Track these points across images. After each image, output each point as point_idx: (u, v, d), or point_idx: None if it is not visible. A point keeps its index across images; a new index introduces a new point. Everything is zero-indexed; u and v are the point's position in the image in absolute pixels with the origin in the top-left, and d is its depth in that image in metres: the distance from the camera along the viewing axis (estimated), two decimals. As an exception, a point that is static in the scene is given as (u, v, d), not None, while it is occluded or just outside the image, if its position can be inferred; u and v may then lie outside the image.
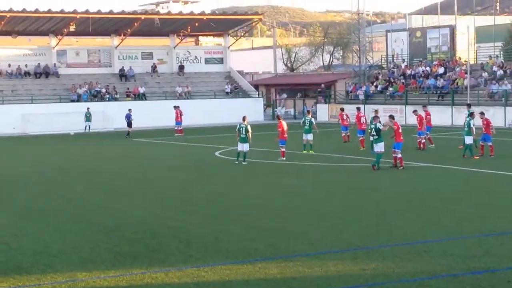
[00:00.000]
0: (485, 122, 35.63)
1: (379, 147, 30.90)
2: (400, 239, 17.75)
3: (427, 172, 30.52)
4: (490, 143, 35.40)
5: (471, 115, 36.34)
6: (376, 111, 40.47)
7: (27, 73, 71.30)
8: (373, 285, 13.88)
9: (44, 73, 71.82)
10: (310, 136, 38.40)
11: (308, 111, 45.01)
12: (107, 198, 25.45)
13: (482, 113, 37.17)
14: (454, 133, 43.22)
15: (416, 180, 28.29)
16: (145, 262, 15.89)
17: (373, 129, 31.07)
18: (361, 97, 70.33)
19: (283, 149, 35.88)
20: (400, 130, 31.85)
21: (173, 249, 17.08)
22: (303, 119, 40.64)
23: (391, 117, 33.76)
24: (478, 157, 34.22)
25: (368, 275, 14.54)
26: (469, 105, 42.70)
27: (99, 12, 69.85)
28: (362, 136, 40.10)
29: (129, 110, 56.61)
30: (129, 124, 55.72)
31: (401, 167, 31.07)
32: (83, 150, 45.55)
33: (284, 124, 36.70)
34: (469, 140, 35.06)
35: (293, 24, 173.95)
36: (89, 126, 62.41)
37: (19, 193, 27.25)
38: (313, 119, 39.71)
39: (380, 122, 32.09)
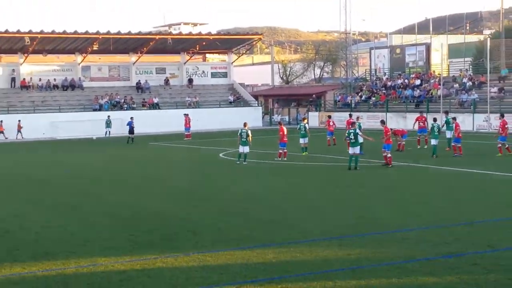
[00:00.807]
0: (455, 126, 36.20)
1: (356, 150, 30.86)
2: (381, 228, 17.74)
3: (406, 171, 30.48)
4: (459, 144, 35.67)
5: (454, 119, 37.56)
6: (357, 117, 40.81)
7: (55, 86, 71.41)
8: (357, 268, 13.85)
9: (70, 86, 71.90)
10: (305, 140, 38.39)
11: (304, 118, 44.85)
12: (125, 194, 25.42)
13: (454, 118, 37.57)
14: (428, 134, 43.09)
15: (396, 177, 28.27)
16: (157, 248, 15.88)
17: (352, 134, 30.99)
18: (353, 105, 70.26)
19: (285, 151, 35.83)
20: (389, 133, 32.03)
21: (182, 238, 17.08)
22: (298, 126, 40.50)
23: (382, 122, 33.99)
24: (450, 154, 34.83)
25: (352, 259, 14.53)
26: (446, 112, 42.70)
27: (119, 33, 69.90)
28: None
29: (131, 118, 55.56)
30: (131, 130, 54.23)
31: (390, 165, 31.11)
32: (104, 153, 45.50)
33: (285, 129, 36.70)
34: (434, 142, 35.60)
35: (289, 42, 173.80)
36: (109, 131, 62.41)
37: (48, 190, 27.22)
38: (307, 125, 39.62)
39: (358, 128, 32.16)
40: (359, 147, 30.88)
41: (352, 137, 30.82)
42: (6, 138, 61.53)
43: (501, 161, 32.88)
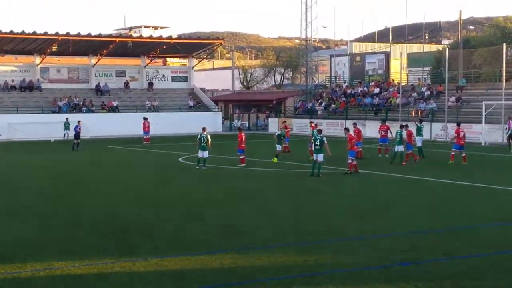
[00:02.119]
0: (408, 133, 36.72)
1: (320, 157, 30.91)
2: (338, 235, 17.87)
3: (366, 178, 30.68)
4: (411, 151, 36.30)
5: (406, 126, 38.20)
6: (316, 124, 41.00)
7: (13, 87, 70.55)
8: (314, 274, 13.94)
9: (28, 87, 71.07)
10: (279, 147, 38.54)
11: (285, 126, 44.83)
12: (83, 198, 25.20)
13: (406, 126, 38.17)
14: (389, 144, 43.41)
15: (355, 185, 28.44)
16: (115, 253, 15.80)
17: (318, 141, 31.05)
18: (320, 112, 70.33)
19: (242, 157, 35.88)
20: (354, 141, 32.29)
21: (140, 242, 17.02)
22: (276, 133, 39.96)
23: (347, 129, 34.28)
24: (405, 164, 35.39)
25: (310, 265, 14.62)
26: (421, 120, 43.10)
27: (78, 34, 69.36)
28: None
29: (78, 122, 52.30)
30: (77, 135, 50.10)
31: (349, 171, 31.31)
32: (62, 155, 45.10)
33: (244, 135, 36.71)
34: (400, 148, 35.93)
35: (250, 48, 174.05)
36: (68, 134, 61.81)
37: (4, 191, 26.90)
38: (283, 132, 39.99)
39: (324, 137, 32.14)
40: (322, 154, 30.91)
41: (318, 144, 30.91)
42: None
43: (456, 169, 33.27)
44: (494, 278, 13.60)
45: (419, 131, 39.72)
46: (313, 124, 41.94)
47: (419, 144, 39.00)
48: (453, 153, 35.82)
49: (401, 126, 38.10)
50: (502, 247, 16.27)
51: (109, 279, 13.63)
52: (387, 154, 39.73)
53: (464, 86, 63.28)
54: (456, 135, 36.48)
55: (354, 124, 40.81)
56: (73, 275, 13.96)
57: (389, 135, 40.43)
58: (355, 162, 31.82)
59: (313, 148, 32.47)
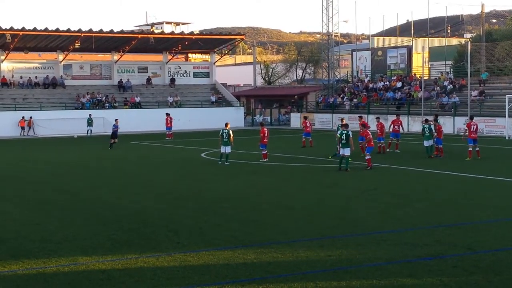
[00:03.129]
0: (438, 128, 36.32)
1: (347, 152, 30.86)
2: (361, 229, 17.80)
3: (387, 172, 30.57)
4: (440, 146, 36.01)
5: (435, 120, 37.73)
6: (342, 119, 40.36)
7: (37, 84, 71.14)
8: (338, 269, 13.89)
9: (51, 84, 71.62)
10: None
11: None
12: (107, 193, 25.33)
13: (435, 119, 37.78)
14: (410, 138, 43.35)
15: (376, 179, 28.32)
16: (139, 248, 15.84)
17: (344, 135, 30.99)
18: (347, 107, 69.94)
19: (265, 152, 35.86)
20: (370, 137, 32.11)
21: (163, 237, 17.05)
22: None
23: (363, 125, 33.99)
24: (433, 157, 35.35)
25: (333, 260, 14.57)
26: (436, 116, 42.34)
27: (101, 31, 69.73)
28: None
29: (116, 120, 49.46)
30: (114, 134, 47.42)
31: (369, 168, 31.19)
32: (86, 151, 45.33)
33: (266, 130, 36.66)
34: (428, 143, 35.86)
35: (271, 43, 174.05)
36: (91, 130, 62.30)
37: (28, 188, 27.08)
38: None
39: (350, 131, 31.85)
40: (349, 148, 30.81)
41: (344, 139, 30.86)
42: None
43: (478, 163, 33.04)
44: (519, 273, 13.49)
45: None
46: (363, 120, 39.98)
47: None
48: (470, 149, 35.23)
49: (426, 120, 37.70)
50: (527, 241, 16.14)
51: (133, 275, 13.66)
52: (397, 150, 39.43)
53: (487, 79, 62.83)
54: (467, 129, 35.85)
55: (377, 118, 40.66)
56: (97, 270, 14.01)
57: (400, 130, 40.16)
58: (368, 157, 31.55)
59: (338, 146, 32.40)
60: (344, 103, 70.58)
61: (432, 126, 36.37)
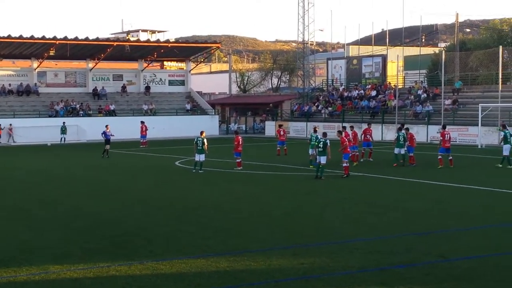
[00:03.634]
0: (409, 136, 36.53)
1: (323, 160, 30.93)
2: (335, 237, 17.82)
3: (361, 181, 30.64)
4: (411, 154, 36.24)
5: (407, 129, 37.84)
6: (315, 127, 40.37)
7: (10, 91, 70.56)
8: (310, 277, 13.90)
9: (25, 91, 71.12)
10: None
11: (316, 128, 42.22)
12: (80, 201, 25.13)
13: (407, 129, 37.93)
14: (384, 146, 43.49)
15: (351, 187, 28.39)
16: (111, 257, 15.75)
17: (322, 143, 31.06)
18: (324, 115, 69.81)
19: (239, 160, 35.85)
20: (346, 143, 32.16)
21: (136, 246, 16.96)
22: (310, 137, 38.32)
23: (340, 132, 34.07)
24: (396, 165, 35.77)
25: (306, 268, 14.57)
26: (402, 124, 42.38)
27: (76, 39, 69.33)
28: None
29: (106, 126, 47.44)
30: (107, 140, 45.97)
31: (346, 175, 31.22)
32: (59, 159, 45.04)
33: (240, 138, 36.66)
34: (400, 150, 36.31)
35: (247, 51, 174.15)
36: (64, 138, 61.93)
37: None
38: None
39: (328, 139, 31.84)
40: (325, 157, 30.86)
41: (321, 147, 30.92)
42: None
43: (450, 172, 33.25)
44: (491, 280, 13.55)
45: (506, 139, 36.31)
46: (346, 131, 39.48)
47: (506, 153, 35.91)
48: (440, 157, 35.41)
49: (400, 129, 37.92)
50: (498, 249, 16.23)
51: (105, 283, 13.57)
52: (370, 158, 39.52)
53: (460, 88, 63.30)
54: (441, 138, 36.12)
55: (351, 127, 40.74)
56: (69, 279, 13.91)
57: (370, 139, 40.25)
58: (346, 164, 31.64)
59: (311, 152, 32.49)
60: (321, 112, 70.69)
61: (404, 135, 36.73)
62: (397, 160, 36.38)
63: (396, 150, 36.58)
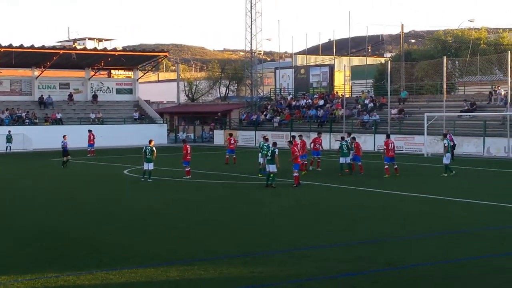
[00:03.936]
0: (355, 145, 36.93)
1: (272, 168, 31.06)
2: (284, 246, 17.90)
3: (310, 189, 30.81)
4: (359, 163, 36.63)
5: (353, 138, 38.40)
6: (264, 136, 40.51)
7: (-47, 100, 69.29)
8: (260, 286, 13.94)
9: (-31, 99, 69.90)
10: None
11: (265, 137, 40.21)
12: (27, 212, 24.78)
13: (353, 138, 38.34)
14: (332, 155, 43.71)
15: (300, 196, 28.54)
16: (60, 267, 15.57)
17: (270, 152, 31.16)
18: (276, 124, 69.48)
19: (188, 169, 35.77)
20: (296, 153, 32.27)
21: (85, 256, 16.80)
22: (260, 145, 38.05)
23: (290, 142, 34.18)
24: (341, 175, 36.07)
25: (256, 277, 14.61)
26: (349, 133, 42.70)
27: (21, 46, 68.38)
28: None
29: (64, 136, 45.65)
30: (65, 152, 44.57)
31: (295, 185, 31.32)
32: (5, 169, 44.34)
33: (189, 147, 36.62)
34: (344, 160, 36.65)
35: (195, 60, 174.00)
36: (10, 147, 61.05)
37: None
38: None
39: (277, 148, 31.89)
40: (274, 165, 30.95)
41: (269, 155, 31.01)
42: None
43: (398, 180, 33.66)
44: (438, 285, 13.75)
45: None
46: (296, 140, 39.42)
47: (446, 161, 36.20)
48: (386, 166, 35.81)
49: (342, 138, 38.27)
50: (445, 257, 16.48)
51: (53, 293, 13.42)
52: (319, 168, 39.68)
53: (406, 98, 64.16)
54: (385, 147, 36.57)
55: (300, 136, 40.92)
56: (17, 290, 13.72)
57: (320, 148, 40.46)
58: (296, 174, 31.79)
59: (260, 161, 32.58)
60: (272, 121, 70.52)
61: (349, 144, 37.10)
62: (342, 170, 36.72)
63: (341, 160, 36.89)
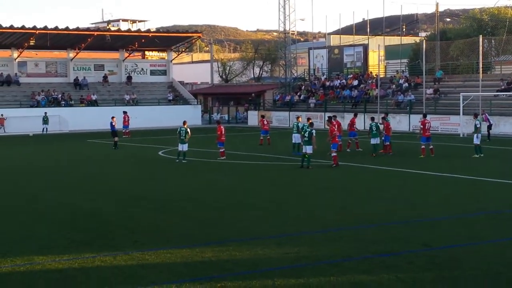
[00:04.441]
0: (385, 125, 36.76)
1: (309, 149, 31.04)
2: (318, 227, 17.91)
3: (346, 170, 30.73)
4: (387, 143, 36.46)
5: (383, 118, 38.20)
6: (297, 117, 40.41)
7: (-9, 82, 70.09)
8: (295, 266, 13.97)
9: (6, 81, 70.61)
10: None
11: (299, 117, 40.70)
12: (62, 193, 25.08)
13: (383, 118, 38.17)
14: (366, 136, 43.45)
15: (333, 176, 28.52)
16: (96, 247, 15.75)
17: (307, 133, 31.15)
18: (312, 105, 69.20)
19: (222, 150, 35.87)
20: (335, 133, 32.18)
21: (120, 236, 16.98)
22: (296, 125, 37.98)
23: (329, 121, 34.12)
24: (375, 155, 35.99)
25: (291, 258, 14.64)
26: (386, 114, 42.35)
27: (56, 28, 68.91)
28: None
29: (112, 117, 46.37)
30: (114, 132, 44.92)
31: (334, 165, 31.27)
32: (41, 150, 44.86)
33: (223, 128, 36.72)
34: (375, 140, 36.53)
35: (228, 41, 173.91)
36: (46, 128, 61.74)
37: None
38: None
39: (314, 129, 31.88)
40: (311, 146, 30.94)
41: (307, 136, 30.98)
42: None
43: (432, 161, 33.42)
44: (473, 269, 13.70)
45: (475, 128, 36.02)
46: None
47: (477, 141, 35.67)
48: (423, 147, 35.44)
49: (372, 119, 38.02)
50: (480, 238, 16.39)
51: (90, 274, 13.58)
52: (359, 148, 39.46)
53: (441, 78, 63.58)
54: (422, 127, 36.22)
55: (334, 116, 40.79)
56: (54, 270, 13.89)
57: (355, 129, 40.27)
58: (334, 154, 31.73)
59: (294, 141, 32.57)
60: (309, 102, 70.11)
61: (379, 124, 36.91)
62: (375, 150, 36.46)
63: (372, 140, 36.66)
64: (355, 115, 42.88)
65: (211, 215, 19.89)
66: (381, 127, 37.50)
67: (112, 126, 45.47)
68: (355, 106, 64.84)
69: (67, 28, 69.86)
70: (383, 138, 36.81)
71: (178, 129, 34.97)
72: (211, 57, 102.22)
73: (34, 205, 22.24)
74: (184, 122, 35.49)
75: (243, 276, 13.28)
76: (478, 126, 35.51)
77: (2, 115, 63.52)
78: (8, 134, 59.95)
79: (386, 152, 36.53)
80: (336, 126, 36.93)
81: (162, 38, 76.93)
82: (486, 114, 47.31)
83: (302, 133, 32.22)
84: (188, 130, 34.81)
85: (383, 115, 40.83)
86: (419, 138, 36.07)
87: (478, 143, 35.26)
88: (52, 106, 67.77)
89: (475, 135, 35.44)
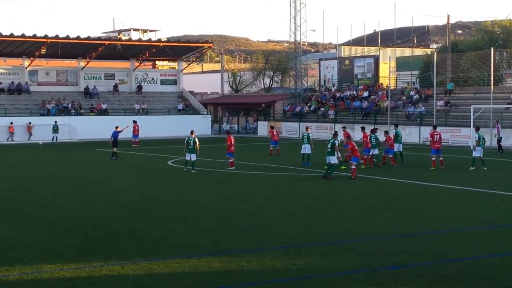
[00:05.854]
0: (387, 139, 37.29)
1: (332, 160, 31.36)
2: (327, 238, 17.86)
3: (355, 182, 30.67)
4: (390, 155, 36.80)
5: (386, 132, 38.09)
6: (337, 131, 40.20)
7: (1, 90, 70.40)
8: (303, 278, 13.93)
9: (17, 90, 70.94)
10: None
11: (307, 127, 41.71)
12: (71, 201, 25.12)
13: (386, 132, 38.36)
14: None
15: (344, 188, 28.46)
16: (104, 256, 15.76)
17: (330, 144, 31.56)
18: (332, 116, 68.34)
19: (232, 160, 35.92)
20: (356, 147, 32.35)
21: (128, 246, 16.96)
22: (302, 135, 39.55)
23: (348, 137, 34.35)
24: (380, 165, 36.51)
25: (299, 269, 14.60)
26: (396, 125, 42.45)
27: (67, 37, 69.26)
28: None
29: (116, 127, 44.87)
30: (115, 142, 43.52)
31: (353, 177, 31.27)
32: (51, 158, 44.97)
33: (232, 138, 36.77)
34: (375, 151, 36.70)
35: (239, 51, 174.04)
36: (56, 137, 61.87)
37: (-8, 195, 26.79)
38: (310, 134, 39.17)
39: (338, 140, 32.76)
40: (335, 157, 31.35)
41: (330, 147, 31.22)
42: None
43: (442, 173, 33.34)
44: (482, 281, 13.62)
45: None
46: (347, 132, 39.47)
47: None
48: (433, 159, 35.44)
49: (372, 131, 37.92)
50: (489, 251, 16.31)
51: (97, 283, 13.57)
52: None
53: (452, 90, 63.47)
54: (431, 139, 36.18)
55: (344, 127, 40.84)
56: (62, 279, 13.90)
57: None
58: (353, 167, 31.65)
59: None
60: (328, 114, 69.76)
61: (378, 136, 37.35)
62: (378, 160, 36.72)
63: (370, 151, 36.63)
64: (364, 130, 42.67)
65: (219, 225, 19.86)
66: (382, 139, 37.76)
67: (116, 134, 43.62)
68: (366, 117, 64.78)
69: (78, 37, 70.19)
70: (384, 150, 37.19)
71: (186, 139, 35.08)
72: (221, 67, 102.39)
73: (43, 213, 22.28)
74: (192, 132, 35.57)
75: (250, 286, 13.26)
76: (476, 139, 35.40)
77: (30, 122, 63.86)
78: (17, 143, 60.06)
79: (385, 163, 36.76)
80: (344, 136, 37.07)
81: (172, 48, 77.20)
82: (499, 126, 47.18)
83: (327, 144, 32.47)
84: (196, 140, 34.86)
85: (397, 127, 40.93)
86: (431, 150, 36.07)
87: (477, 156, 35.07)
88: (62, 114, 68.01)
89: (473, 148, 35.54)
